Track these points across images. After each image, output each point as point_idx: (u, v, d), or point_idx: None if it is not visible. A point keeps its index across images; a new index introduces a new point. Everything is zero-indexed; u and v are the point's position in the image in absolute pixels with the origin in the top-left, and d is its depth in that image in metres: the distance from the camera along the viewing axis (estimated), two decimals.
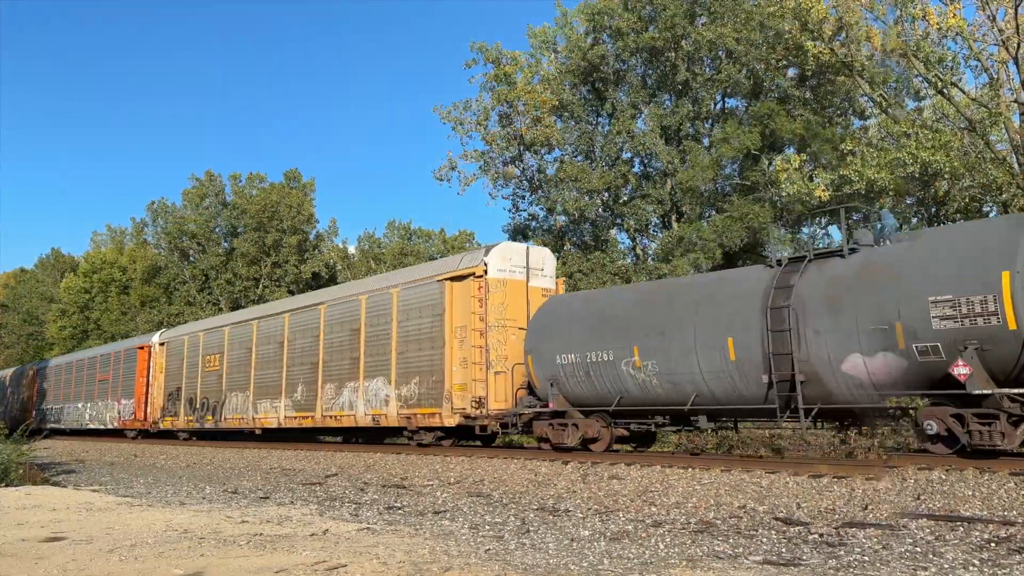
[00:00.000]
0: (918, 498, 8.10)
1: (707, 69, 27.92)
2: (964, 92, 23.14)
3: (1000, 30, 20.48)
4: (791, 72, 26.93)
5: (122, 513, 8.60)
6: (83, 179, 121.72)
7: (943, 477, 8.62)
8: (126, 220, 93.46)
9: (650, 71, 28.95)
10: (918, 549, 6.41)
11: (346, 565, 5.47)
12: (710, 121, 28.80)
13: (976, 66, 22.34)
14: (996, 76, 21.45)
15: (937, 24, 21.10)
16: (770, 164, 25.03)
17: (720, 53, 27.15)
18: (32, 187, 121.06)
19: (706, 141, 27.95)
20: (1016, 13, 19.83)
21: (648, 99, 28.44)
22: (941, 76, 22.00)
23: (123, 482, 14.58)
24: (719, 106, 29.24)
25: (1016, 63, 20.56)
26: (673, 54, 27.38)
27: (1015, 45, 20.04)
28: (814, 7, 22.11)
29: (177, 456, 21.16)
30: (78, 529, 7.40)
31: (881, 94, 23.16)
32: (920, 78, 23.54)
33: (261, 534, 6.98)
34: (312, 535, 6.93)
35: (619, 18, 27.70)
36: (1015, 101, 21.18)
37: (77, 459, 22.20)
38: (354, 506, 9.95)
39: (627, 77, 28.92)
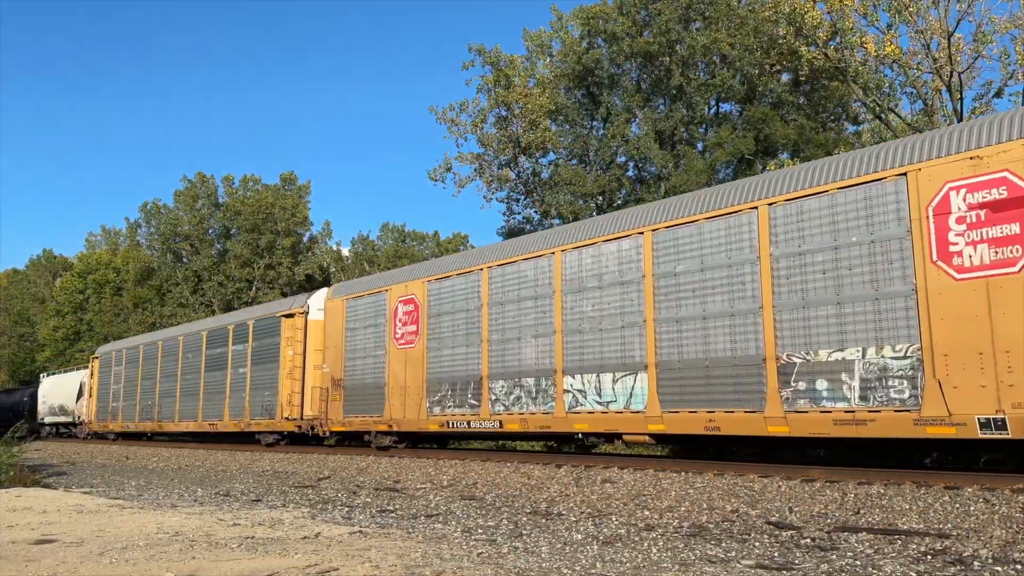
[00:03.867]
0: (858, 512, 8.19)
1: (701, 74, 28.01)
2: (901, 117, 23.72)
3: (934, 59, 21.05)
4: (785, 77, 27.06)
5: (113, 515, 8.56)
6: (76, 179, 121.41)
7: (881, 491, 8.77)
8: (120, 221, 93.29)
9: (645, 75, 29.03)
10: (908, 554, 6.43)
11: (338, 568, 5.46)
12: (704, 126, 28.89)
13: (912, 92, 22.93)
14: (931, 103, 22.04)
15: (875, 51, 21.65)
16: (764, 169, 25.11)
17: (714, 58, 27.25)
18: (25, 187, 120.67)
19: (700, 146, 28.03)
20: (949, 43, 20.41)
21: (643, 103, 28.52)
22: (879, 101, 22.63)
23: (114, 484, 14.52)
24: (713, 111, 29.34)
25: (949, 91, 21.15)
26: (667, 59, 27.46)
27: (948, 73, 20.63)
28: (808, 12, 22.26)
29: (169, 458, 21.10)
30: (69, 531, 7.37)
31: (875, 100, 23.32)
32: (859, 103, 24.24)
33: (253, 537, 6.96)
34: (304, 538, 6.91)
35: (614, 23, 27.78)
36: (949, 124, 21.59)
37: (68, 461, 22.11)
38: (346, 509, 9.93)
39: (622, 81, 28.99)
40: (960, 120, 21.05)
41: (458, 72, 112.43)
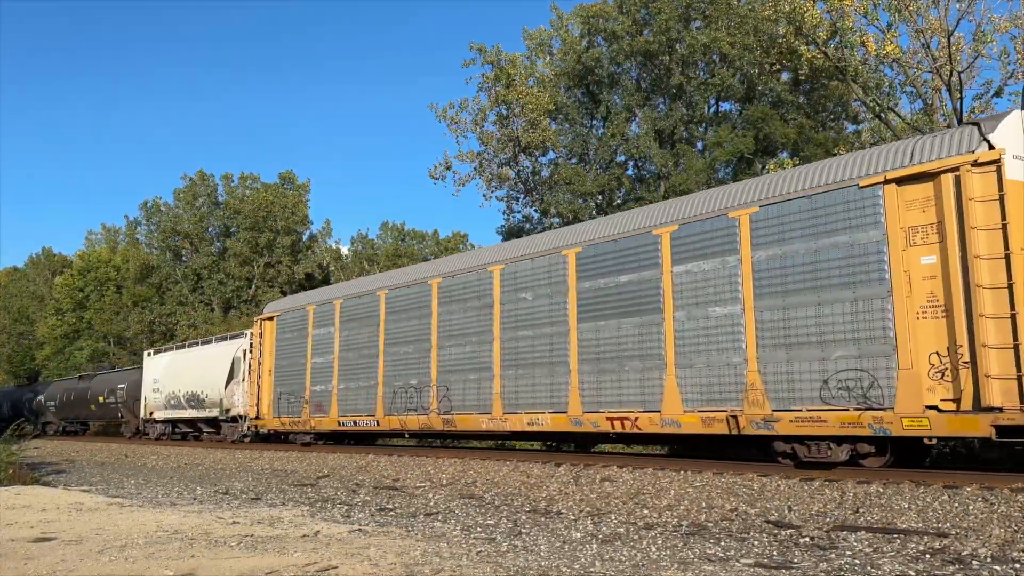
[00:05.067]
0: (856, 511, 8.19)
1: (701, 73, 28.02)
2: (900, 117, 23.77)
3: (934, 58, 21.11)
4: (785, 76, 27.05)
5: (112, 513, 8.56)
6: (75, 178, 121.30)
7: (880, 491, 8.77)
8: (118, 219, 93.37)
9: (644, 74, 29.03)
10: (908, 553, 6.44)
11: (337, 567, 5.46)
12: (704, 125, 28.89)
13: (912, 92, 23.00)
14: (930, 102, 22.09)
15: (875, 50, 21.69)
16: (763, 168, 25.11)
17: (714, 57, 27.25)
18: (24, 185, 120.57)
19: (700, 145, 28.04)
20: (949, 42, 20.46)
21: (642, 102, 28.52)
22: (879, 101, 22.69)
23: (113, 482, 14.53)
24: (713, 110, 29.34)
25: (949, 90, 21.20)
26: (667, 58, 27.47)
27: (948, 73, 20.68)
28: (808, 11, 22.25)
29: (168, 456, 21.08)
30: (68, 529, 7.37)
31: (874, 99, 23.32)
32: (858, 102, 24.28)
33: (252, 535, 6.96)
34: (303, 536, 6.91)
35: (614, 21, 27.78)
36: (948, 127, 21.57)
37: (67, 459, 22.10)
38: (346, 507, 9.94)
39: (621, 80, 29.00)
40: (960, 120, 21.06)
41: (458, 71, 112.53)
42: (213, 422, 26.15)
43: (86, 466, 19.42)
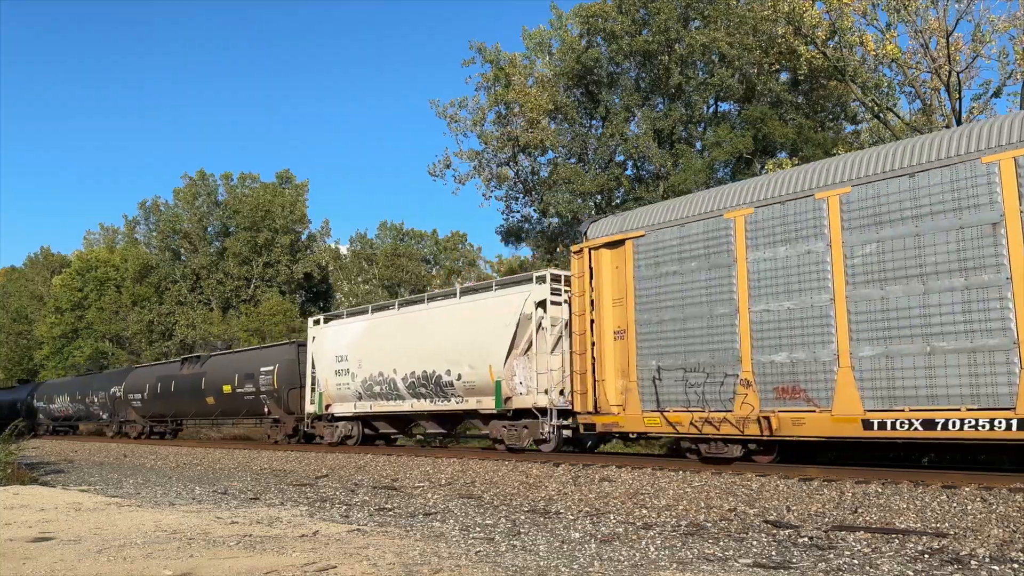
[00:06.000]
0: (855, 511, 8.19)
1: (700, 73, 28.02)
2: (899, 117, 23.84)
3: (933, 58, 21.20)
4: (784, 76, 27.08)
5: (111, 513, 8.56)
6: (74, 177, 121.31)
7: (879, 491, 8.79)
8: (117, 219, 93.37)
9: (643, 74, 29.03)
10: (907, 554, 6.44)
11: (336, 566, 5.46)
12: (703, 125, 28.89)
13: (910, 92, 23.08)
14: (929, 102, 22.18)
15: (874, 50, 21.76)
16: (762, 168, 25.12)
17: (713, 57, 27.25)
18: (23, 185, 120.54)
19: (699, 145, 28.04)
20: (948, 43, 20.56)
21: (641, 102, 28.51)
22: (877, 101, 22.78)
23: (112, 482, 14.52)
24: (712, 110, 29.33)
25: (948, 90, 21.28)
26: (666, 58, 27.46)
27: (946, 73, 20.77)
28: (807, 11, 22.29)
29: (167, 456, 21.08)
30: (66, 529, 7.36)
31: (873, 99, 23.35)
32: (857, 102, 24.42)
33: (251, 535, 6.96)
34: (302, 536, 6.91)
35: (613, 21, 27.77)
36: (946, 127, 21.63)
37: (66, 459, 22.08)
38: (344, 507, 9.93)
39: (620, 80, 28.98)
40: (959, 120, 21.06)
41: (457, 70, 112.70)
42: (451, 418, 17.77)
43: (84, 466, 19.40)
